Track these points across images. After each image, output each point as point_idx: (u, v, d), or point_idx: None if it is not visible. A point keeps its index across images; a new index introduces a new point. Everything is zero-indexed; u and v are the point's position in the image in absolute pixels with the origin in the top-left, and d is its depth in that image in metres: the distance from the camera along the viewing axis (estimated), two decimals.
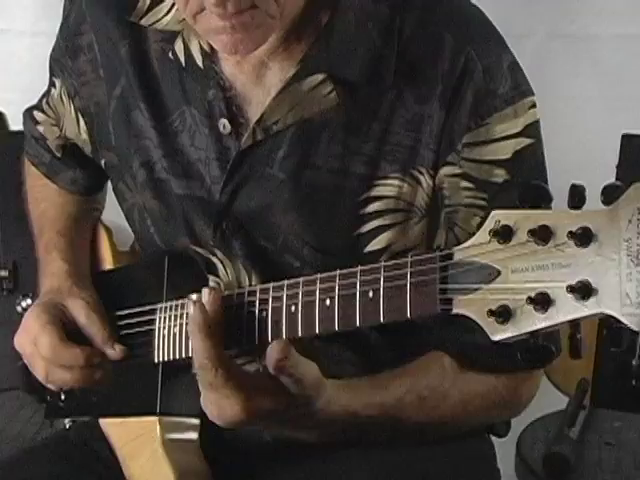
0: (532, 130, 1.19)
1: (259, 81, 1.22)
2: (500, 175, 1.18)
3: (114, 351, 1.30)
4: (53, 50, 1.42)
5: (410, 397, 1.17)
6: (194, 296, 1.11)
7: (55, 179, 1.51)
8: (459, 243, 0.90)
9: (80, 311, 1.32)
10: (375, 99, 1.19)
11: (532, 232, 0.81)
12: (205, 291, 1.10)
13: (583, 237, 0.78)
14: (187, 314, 1.19)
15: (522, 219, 0.82)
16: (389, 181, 1.20)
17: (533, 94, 1.20)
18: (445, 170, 1.19)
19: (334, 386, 1.10)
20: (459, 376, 1.19)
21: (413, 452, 1.25)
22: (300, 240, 1.22)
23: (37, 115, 1.50)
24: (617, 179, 1.87)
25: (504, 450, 1.54)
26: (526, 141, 1.19)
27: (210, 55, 1.24)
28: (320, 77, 1.19)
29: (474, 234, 0.87)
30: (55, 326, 1.29)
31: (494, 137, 1.18)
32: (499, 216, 0.84)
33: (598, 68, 2.21)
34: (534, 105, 1.20)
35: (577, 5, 2.20)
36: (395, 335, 1.23)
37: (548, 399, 2.08)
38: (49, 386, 1.33)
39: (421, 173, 1.19)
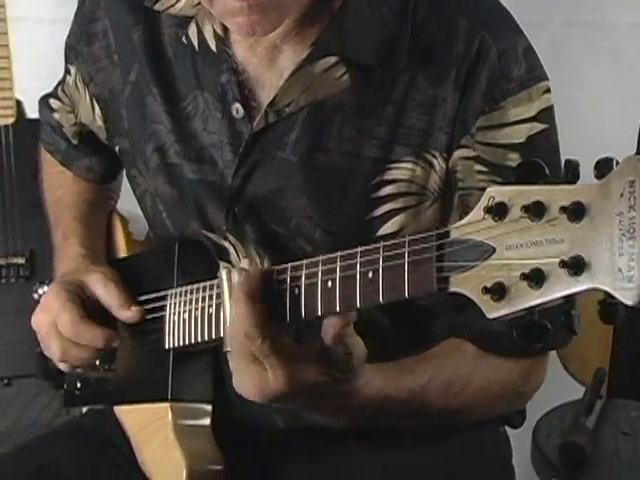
0: (546, 115, 1.19)
1: (272, 64, 1.22)
2: (514, 159, 1.17)
3: (131, 313, 1.30)
4: (68, 37, 1.42)
5: (435, 382, 1.16)
6: (242, 264, 1.09)
7: (71, 166, 1.51)
8: None
9: (97, 283, 1.32)
10: (388, 82, 1.18)
11: (526, 208, 0.80)
12: (246, 261, 1.08)
13: (575, 212, 0.77)
14: (196, 300, 1.19)
15: (516, 195, 0.81)
16: (402, 164, 1.19)
17: (547, 79, 1.20)
18: (459, 153, 1.18)
19: (370, 368, 1.08)
20: (479, 363, 1.18)
21: (425, 449, 1.24)
22: (312, 224, 1.22)
23: (53, 103, 1.50)
24: None
25: (520, 440, 1.53)
26: (540, 126, 1.18)
27: (223, 39, 1.24)
28: (333, 60, 1.18)
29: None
30: (75, 304, 1.29)
31: (508, 121, 1.17)
32: (493, 193, 0.83)
33: (615, 56, 2.19)
34: (548, 90, 1.19)
35: None
36: (408, 324, 1.22)
37: (564, 389, 2.08)
38: (62, 365, 1.33)
39: (434, 156, 1.19)
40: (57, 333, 1.28)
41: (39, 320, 1.31)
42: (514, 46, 1.18)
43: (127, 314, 1.30)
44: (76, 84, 1.43)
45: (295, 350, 1.03)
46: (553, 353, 2.02)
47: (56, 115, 1.50)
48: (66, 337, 1.28)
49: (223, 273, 1.07)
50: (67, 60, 1.44)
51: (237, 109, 1.23)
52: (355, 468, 1.25)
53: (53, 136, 1.52)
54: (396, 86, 1.18)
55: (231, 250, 1.27)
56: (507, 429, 1.40)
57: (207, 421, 1.27)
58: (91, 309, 1.31)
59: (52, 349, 1.30)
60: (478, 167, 1.18)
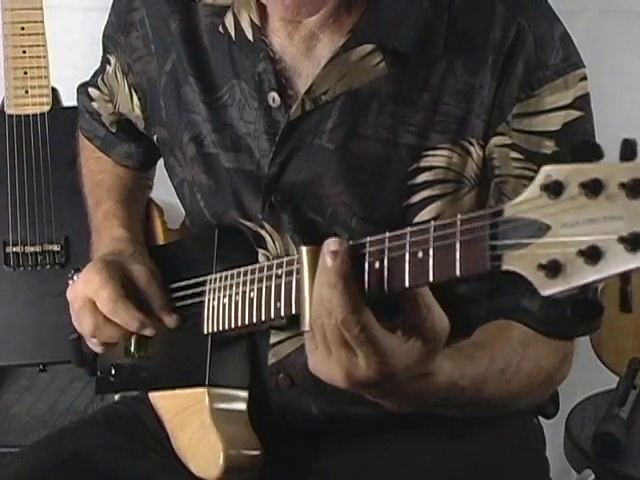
0: (582, 102, 1.18)
1: (309, 53, 1.22)
2: (549, 147, 1.17)
3: (171, 318, 1.30)
4: (106, 27, 1.42)
5: (492, 369, 1.12)
6: (330, 246, 0.98)
7: (110, 153, 1.52)
8: None
9: (142, 276, 1.32)
10: (425, 69, 1.18)
11: (583, 185, 0.78)
12: (336, 241, 0.98)
13: (635, 188, 0.75)
14: (237, 284, 1.19)
15: (573, 173, 0.79)
16: (439, 152, 1.19)
17: (584, 66, 1.19)
18: (495, 140, 1.18)
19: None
20: (526, 349, 1.16)
21: (459, 444, 1.23)
22: (349, 211, 1.21)
23: (92, 92, 1.50)
24: None
25: (553, 430, 1.53)
26: (576, 113, 1.18)
27: (260, 28, 1.23)
28: (369, 47, 1.18)
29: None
30: (117, 283, 1.29)
31: (544, 108, 1.17)
32: (550, 171, 0.82)
33: None
34: (585, 77, 1.19)
35: None
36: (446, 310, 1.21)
37: (598, 378, 2.07)
38: (91, 342, 1.33)
39: (471, 144, 1.19)
40: (92, 307, 1.28)
41: (77, 291, 1.31)
42: (551, 33, 1.18)
43: (167, 318, 1.30)
44: (115, 74, 1.43)
45: (390, 338, 0.96)
46: (587, 343, 2.02)
47: (95, 104, 1.50)
48: (102, 313, 1.27)
49: (304, 251, 1.00)
50: (106, 50, 1.44)
51: (274, 98, 1.23)
52: (386, 459, 1.25)
53: (92, 123, 1.52)
54: (433, 73, 1.18)
55: (267, 238, 1.27)
56: (540, 419, 1.39)
57: (243, 406, 1.27)
58: (129, 293, 1.30)
59: (84, 324, 1.30)
60: (514, 154, 1.18)
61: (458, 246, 0.89)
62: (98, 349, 1.35)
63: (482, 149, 1.19)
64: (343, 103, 1.20)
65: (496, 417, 1.27)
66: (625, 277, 0.78)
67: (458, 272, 0.89)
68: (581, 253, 0.78)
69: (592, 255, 0.77)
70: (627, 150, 0.78)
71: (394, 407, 1.08)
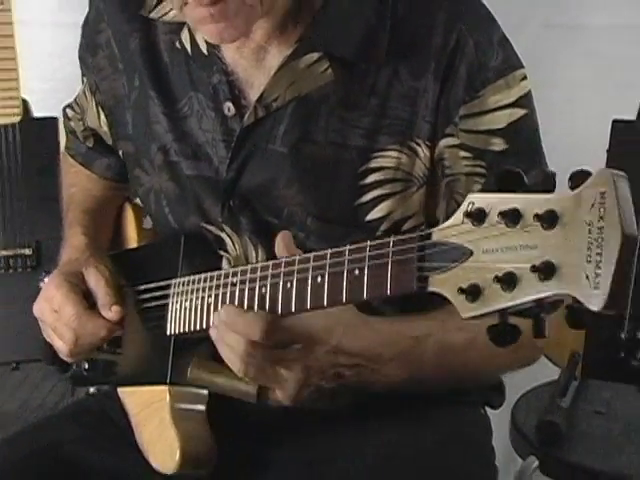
0: (524, 101, 1.20)
1: (259, 64, 1.24)
2: (497, 144, 1.19)
3: (111, 313, 1.30)
4: (79, 48, 1.44)
5: (446, 326, 1.15)
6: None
7: (91, 167, 1.53)
8: None
9: (91, 277, 1.33)
10: (371, 75, 1.20)
11: (503, 214, 0.80)
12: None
13: (549, 220, 0.77)
14: (197, 289, 1.20)
15: (495, 202, 0.81)
16: (387, 153, 1.21)
17: (523, 67, 1.21)
18: (445, 142, 1.20)
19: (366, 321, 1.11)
20: None
21: (412, 432, 1.24)
22: (304, 211, 1.23)
23: (68, 112, 1.54)
24: (607, 163, 1.87)
25: (499, 420, 1.54)
26: (520, 111, 1.20)
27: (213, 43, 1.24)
28: (316, 55, 1.20)
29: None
30: (78, 295, 1.30)
31: (488, 108, 1.19)
32: (474, 199, 0.83)
33: (590, 56, 2.19)
34: (525, 77, 1.21)
35: None
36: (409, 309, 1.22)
37: (541, 371, 2.08)
38: (70, 354, 1.33)
39: (418, 145, 1.20)
40: (65, 324, 1.29)
41: (41, 308, 1.32)
42: (489, 37, 1.19)
43: (107, 314, 1.30)
44: (85, 93, 1.45)
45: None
46: None
47: (72, 123, 1.53)
48: (72, 327, 1.29)
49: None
50: (81, 70, 1.45)
51: (229, 107, 1.25)
52: (338, 451, 1.25)
53: (74, 141, 1.55)
54: (379, 78, 1.19)
55: (227, 241, 1.28)
56: (487, 410, 1.41)
57: (203, 406, 1.27)
58: (88, 297, 1.32)
59: (65, 337, 1.30)
60: (463, 153, 1.20)
61: (389, 266, 0.90)
62: (71, 360, 1.36)
63: (429, 149, 1.20)
64: (294, 109, 1.22)
65: (446, 407, 1.28)
66: (540, 304, 0.79)
67: (388, 291, 0.91)
68: (498, 279, 0.79)
69: (508, 282, 0.78)
70: (547, 182, 0.80)
71: (394, 377, 1.13)
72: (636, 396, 1.97)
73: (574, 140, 2.12)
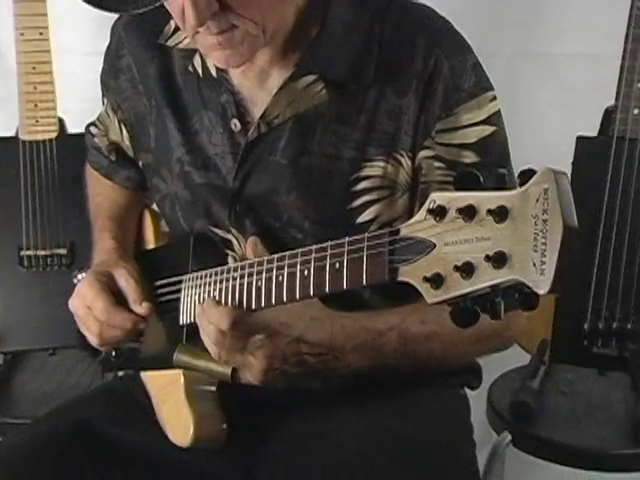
0: (494, 119, 1.21)
1: (262, 86, 1.24)
2: (468, 156, 1.19)
3: (142, 309, 1.30)
4: (101, 72, 1.44)
5: (412, 319, 1.16)
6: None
7: (113, 179, 1.52)
8: None
9: (121, 277, 1.33)
10: (361, 94, 1.20)
11: (460, 210, 0.80)
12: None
13: (500, 214, 0.77)
14: (205, 284, 1.20)
15: (453, 200, 0.81)
16: (375, 163, 1.21)
17: (493, 89, 1.22)
18: (422, 153, 1.20)
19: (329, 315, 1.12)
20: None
21: (396, 411, 1.23)
22: (302, 215, 1.23)
23: (92, 130, 1.53)
24: (572, 174, 1.86)
25: (477, 400, 1.54)
26: (490, 128, 1.20)
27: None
28: (312, 78, 1.20)
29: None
30: (107, 292, 1.30)
31: (461, 124, 1.19)
32: (435, 197, 0.83)
33: (557, 81, 2.19)
34: (495, 98, 1.21)
35: (539, 28, 2.18)
36: (387, 294, 1.22)
37: (514, 356, 2.07)
38: (100, 344, 1.33)
39: (402, 155, 1.21)
40: (94, 318, 1.29)
41: (76, 304, 1.32)
42: (464, 62, 1.20)
43: (138, 309, 1.30)
44: (107, 112, 1.45)
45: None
46: None
47: (96, 139, 1.51)
48: (101, 320, 1.28)
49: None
50: (102, 92, 1.45)
51: (235, 124, 1.25)
52: (332, 427, 1.24)
53: (96, 156, 1.53)
54: (368, 97, 1.20)
55: (234, 241, 1.29)
56: (467, 391, 1.40)
57: (214, 387, 1.27)
58: (120, 296, 1.32)
59: (91, 329, 1.31)
60: (437, 164, 1.20)
61: (365, 260, 0.90)
62: (103, 349, 1.36)
63: (411, 160, 1.21)
64: (293, 125, 1.22)
65: (430, 389, 1.28)
66: (495, 289, 0.78)
67: (364, 281, 0.91)
68: (457, 269, 0.79)
69: (466, 270, 0.79)
70: (498, 181, 0.79)
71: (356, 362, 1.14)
72: (596, 378, 1.97)
73: (543, 154, 2.10)
